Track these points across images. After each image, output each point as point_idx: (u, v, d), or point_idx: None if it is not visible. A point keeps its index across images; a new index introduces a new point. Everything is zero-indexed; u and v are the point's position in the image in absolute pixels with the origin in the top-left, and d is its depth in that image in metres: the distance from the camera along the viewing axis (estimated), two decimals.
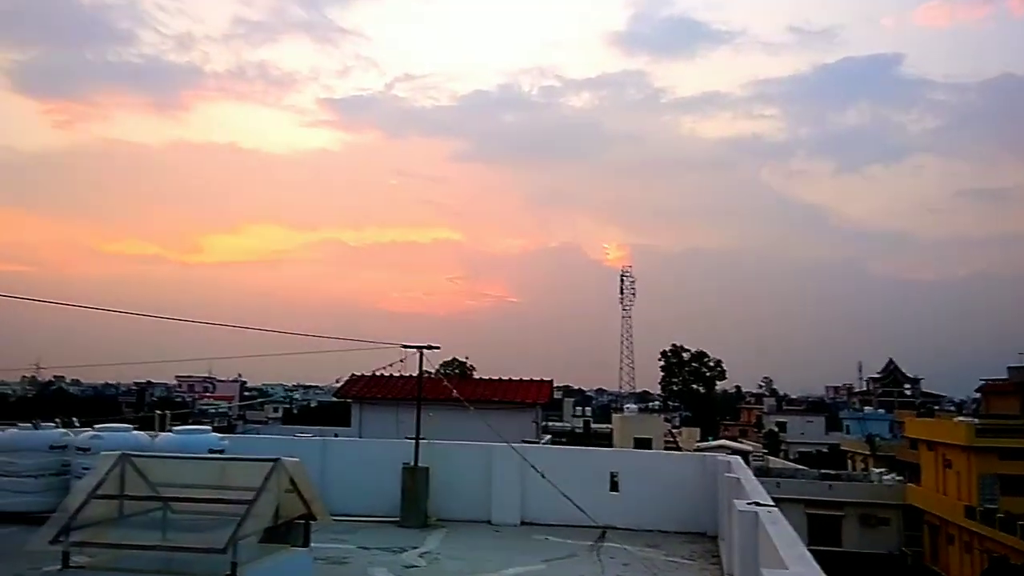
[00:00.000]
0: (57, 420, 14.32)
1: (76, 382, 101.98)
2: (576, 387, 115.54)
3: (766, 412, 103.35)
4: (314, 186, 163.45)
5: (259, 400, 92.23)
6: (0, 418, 19.28)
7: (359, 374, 32.19)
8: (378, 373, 28.42)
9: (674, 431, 60.95)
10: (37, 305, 13.63)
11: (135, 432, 13.93)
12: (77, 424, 14.38)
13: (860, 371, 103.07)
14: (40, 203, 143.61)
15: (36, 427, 13.65)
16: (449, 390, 16.59)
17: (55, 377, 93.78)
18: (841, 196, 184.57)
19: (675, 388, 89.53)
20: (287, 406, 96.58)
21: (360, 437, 26.69)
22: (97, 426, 13.89)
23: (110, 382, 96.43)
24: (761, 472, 40.42)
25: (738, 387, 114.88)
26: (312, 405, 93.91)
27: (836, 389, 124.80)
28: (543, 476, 13.48)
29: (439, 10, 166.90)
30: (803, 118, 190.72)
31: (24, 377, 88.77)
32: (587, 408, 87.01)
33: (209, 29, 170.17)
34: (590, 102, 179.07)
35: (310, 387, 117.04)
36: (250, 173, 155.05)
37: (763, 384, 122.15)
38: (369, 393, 30.87)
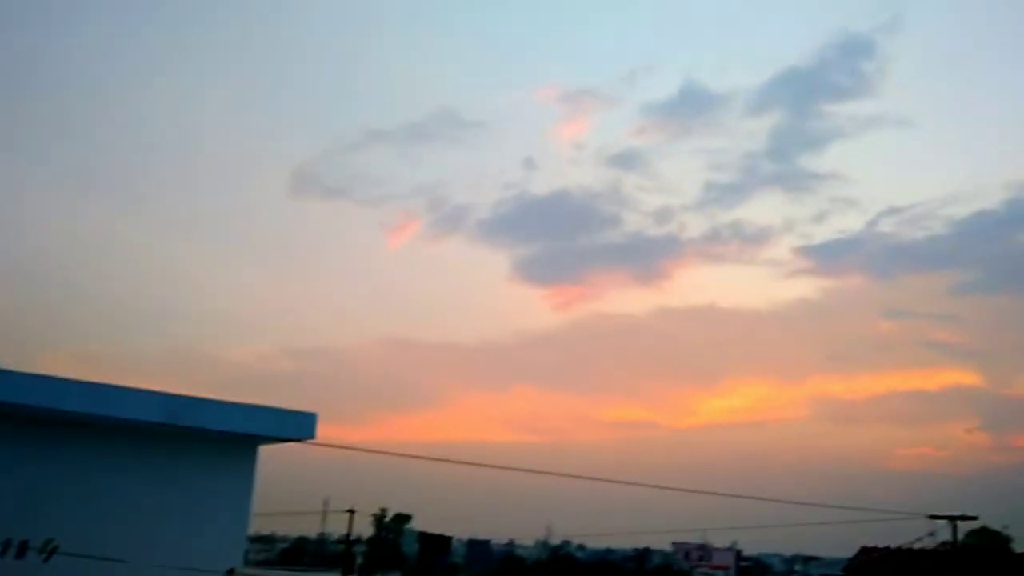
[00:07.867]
0: None
1: (581, 547, 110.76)
2: None
3: None
4: (796, 339, 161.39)
5: (756, 573, 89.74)
6: None
7: (870, 546, 29.86)
8: (897, 546, 26.12)
9: None
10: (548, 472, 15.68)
11: None
12: None
13: None
14: (546, 378, 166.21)
15: None
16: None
17: (563, 541, 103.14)
18: None
19: None
20: None
21: None
22: None
23: (611, 547, 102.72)
24: None
25: None
26: None
27: None
28: None
29: (922, 135, 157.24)
30: None
31: (537, 540, 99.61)
32: None
33: (684, 199, 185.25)
34: None
35: (811, 558, 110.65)
36: (730, 332, 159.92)
37: None
38: (885, 570, 28.34)
